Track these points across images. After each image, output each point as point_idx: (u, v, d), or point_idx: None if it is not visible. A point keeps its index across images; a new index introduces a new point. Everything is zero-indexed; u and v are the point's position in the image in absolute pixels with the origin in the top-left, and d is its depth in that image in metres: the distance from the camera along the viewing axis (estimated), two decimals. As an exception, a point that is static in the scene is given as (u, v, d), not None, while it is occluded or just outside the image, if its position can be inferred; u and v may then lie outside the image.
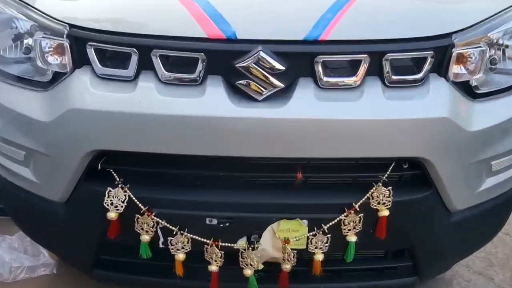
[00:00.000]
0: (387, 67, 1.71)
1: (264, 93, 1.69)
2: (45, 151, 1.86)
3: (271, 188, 1.86)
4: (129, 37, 1.71)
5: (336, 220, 1.82)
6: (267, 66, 1.66)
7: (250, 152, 1.72)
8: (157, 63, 1.71)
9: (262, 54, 1.65)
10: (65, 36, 1.77)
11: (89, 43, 1.74)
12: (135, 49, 1.70)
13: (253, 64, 1.65)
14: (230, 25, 1.67)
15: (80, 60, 1.78)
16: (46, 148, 1.85)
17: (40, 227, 2.11)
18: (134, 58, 1.72)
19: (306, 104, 1.69)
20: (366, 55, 1.69)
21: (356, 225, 1.83)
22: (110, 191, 1.83)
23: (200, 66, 1.70)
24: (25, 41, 1.91)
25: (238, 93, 1.71)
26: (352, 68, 1.72)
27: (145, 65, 1.73)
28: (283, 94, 1.71)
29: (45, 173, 1.93)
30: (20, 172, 2.00)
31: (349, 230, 1.84)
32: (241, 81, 1.69)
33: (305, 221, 1.83)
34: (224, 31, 1.67)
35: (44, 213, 2.01)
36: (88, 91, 1.74)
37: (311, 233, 1.84)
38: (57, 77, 1.83)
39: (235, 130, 1.68)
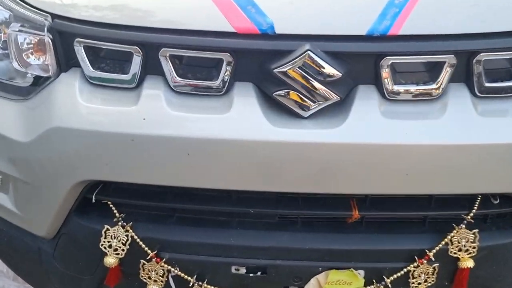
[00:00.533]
0: (479, 71, 1.26)
1: (312, 107, 1.25)
2: (24, 178, 1.44)
3: (317, 229, 1.43)
4: (130, 32, 1.27)
5: (403, 272, 1.38)
6: (318, 71, 1.21)
7: (291, 187, 1.29)
8: (167, 65, 1.27)
9: (310, 54, 1.20)
10: (46, 29, 1.34)
11: (78, 39, 1.31)
12: (138, 48, 1.27)
13: (297, 69, 1.21)
14: (266, 15, 1.22)
15: (66, 61, 1.36)
16: (25, 174, 1.44)
17: (24, 265, 1.72)
18: (137, 59, 1.29)
19: (370, 122, 1.24)
20: (451, 56, 1.23)
21: (428, 277, 1.40)
22: (107, 229, 1.42)
23: (224, 70, 1.26)
24: (2, 34, 1.49)
25: (276, 107, 1.27)
26: (430, 72, 1.28)
27: (151, 68, 1.30)
28: (336, 109, 1.27)
29: (27, 203, 1.52)
30: (-2, 199, 1.60)
31: (419, 283, 1.41)
32: (281, 92, 1.24)
33: (361, 272, 1.41)
34: (258, 23, 1.22)
35: (27, 249, 1.61)
36: (76, 103, 1.32)
37: (369, 287, 1.41)
38: (38, 82, 1.41)
39: (273, 159, 1.24)
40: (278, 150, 1.23)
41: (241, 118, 1.25)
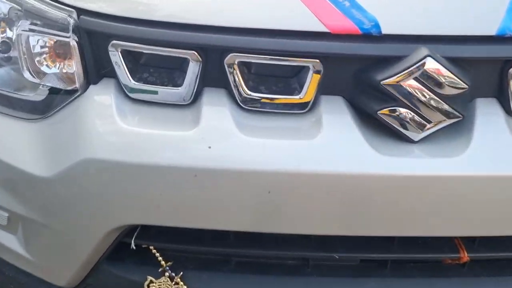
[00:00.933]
0: None
1: (426, 129, 0.97)
2: (41, 220, 1.13)
3: (409, 273, 1.16)
4: (187, 32, 0.97)
5: (519, 325, 1.14)
6: (438, 83, 0.94)
7: (398, 231, 1.02)
8: (235, 75, 0.98)
9: (430, 62, 0.92)
10: (71, 29, 1.03)
11: (114, 41, 1.00)
12: (196, 53, 0.97)
13: (413, 81, 0.93)
14: (366, 11, 0.94)
15: (97, 70, 1.05)
16: (42, 216, 1.12)
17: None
18: (194, 68, 0.99)
19: (500, 148, 0.97)
20: None
21: (546, 329, 1.15)
22: (152, 282, 1.12)
23: (309, 81, 0.97)
24: (2, 34, 1.18)
25: (374, 128, 0.99)
26: None
27: (210, 79, 1.01)
28: (450, 131, 1.00)
29: (43, 248, 1.21)
30: (2, 241, 1.27)
31: (535, 336, 1.16)
32: (388, 109, 0.96)
33: (468, 326, 1.15)
34: (358, 21, 0.94)
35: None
36: (115, 126, 1.01)
37: None
38: (57, 96, 1.10)
39: (380, 197, 0.96)
40: (388, 186, 0.95)
41: (336, 144, 0.96)
